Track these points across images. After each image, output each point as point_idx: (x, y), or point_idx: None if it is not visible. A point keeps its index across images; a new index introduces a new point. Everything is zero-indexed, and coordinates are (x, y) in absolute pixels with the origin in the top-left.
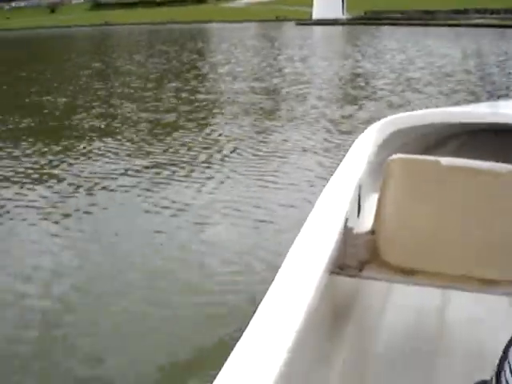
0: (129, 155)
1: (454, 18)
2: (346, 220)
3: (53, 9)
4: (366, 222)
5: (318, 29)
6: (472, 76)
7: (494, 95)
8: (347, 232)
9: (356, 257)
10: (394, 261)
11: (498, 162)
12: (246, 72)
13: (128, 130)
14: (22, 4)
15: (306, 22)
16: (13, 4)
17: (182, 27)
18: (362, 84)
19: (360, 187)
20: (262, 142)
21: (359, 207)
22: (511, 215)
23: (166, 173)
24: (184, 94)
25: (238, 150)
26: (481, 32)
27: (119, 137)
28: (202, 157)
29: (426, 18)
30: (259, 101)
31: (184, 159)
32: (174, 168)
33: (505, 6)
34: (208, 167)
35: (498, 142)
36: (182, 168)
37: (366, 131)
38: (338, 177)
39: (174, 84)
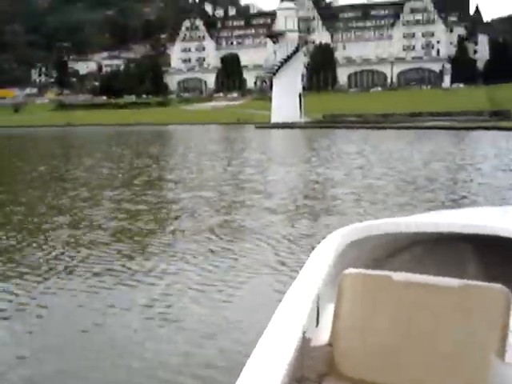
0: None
1: (409, 121)
2: (304, 332)
3: (16, 108)
4: (324, 333)
5: (276, 132)
6: (434, 183)
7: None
8: (305, 344)
9: (314, 369)
10: (352, 373)
11: (452, 270)
12: (197, 179)
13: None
14: None
15: (265, 125)
16: None
17: (144, 129)
18: (319, 195)
19: (318, 298)
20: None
21: (318, 318)
22: (461, 328)
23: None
24: (122, 205)
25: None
26: (436, 134)
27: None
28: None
29: (382, 121)
30: (209, 215)
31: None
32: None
33: (457, 108)
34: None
35: (454, 251)
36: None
37: (323, 241)
38: (296, 288)
39: (115, 192)
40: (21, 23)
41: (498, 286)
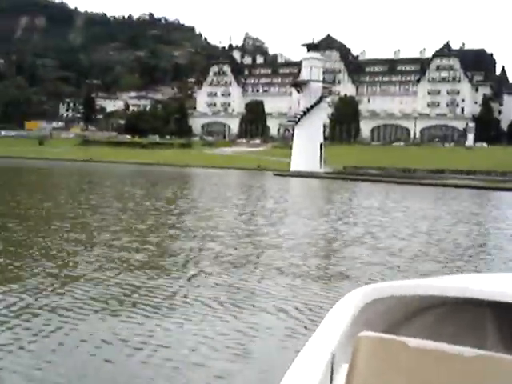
0: None
1: (431, 177)
2: None
3: (41, 141)
4: None
5: (294, 181)
6: (460, 248)
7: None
8: None
9: None
10: None
11: (470, 339)
12: (205, 228)
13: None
14: (13, 133)
15: (284, 173)
16: (2, 133)
17: (163, 170)
18: (335, 254)
19: (333, 357)
20: None
21: (331, 378)
22: None
23: None
24: (114, 253)
25: None
26: (459, 192)
27: None
28: None
29: (403, 176)
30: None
31: None
32: None
33: (480, 167)
34: None
35: (474, 318)
36: None
37: (342, 299)
38: (310, 345)
39: (112, 236)
40: (53, 58)
41: None
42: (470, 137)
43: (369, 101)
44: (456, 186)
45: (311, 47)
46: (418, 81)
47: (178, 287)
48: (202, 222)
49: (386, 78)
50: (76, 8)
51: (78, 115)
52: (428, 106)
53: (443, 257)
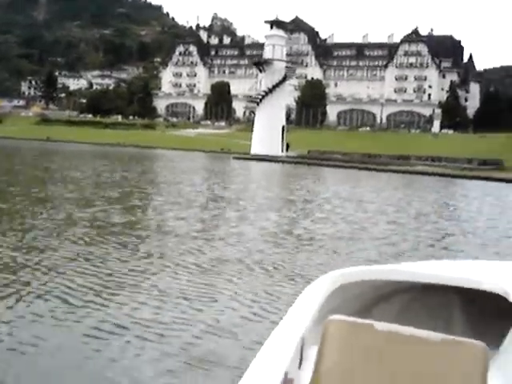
0: None
1: (395, 163)
2: (286, 373)
3: (0, 119)
4: (306, 375)
5: (254, 165)
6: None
7: None
8: None
9: None
10: None
11: (438, 323)
12: (144, 221)
13: None
14: None
15: (244, 156)
16: None
17: (124, 150)
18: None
19: (303, 340)
20: None
21: (301, 360)
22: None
23: None
24: None
25: None
26: (425, 180)
27: None
28: None
29: (367, 162)
30: None
31: None
32: None
33: (445, 154)
34: None
35: (442, 303)
36: None
37: (312, 284)
38: (280, 329)
39: None
40: (16, 34)
41: (477, 342)
42: (436, 123)
43: (336, 85)
44: (422, 173)
45: (274, 24)
46: (386, 66)
47: None
48: (146, 215)
49: (353, 63)
50: None
51: (40, 93)
52: (395, 91)
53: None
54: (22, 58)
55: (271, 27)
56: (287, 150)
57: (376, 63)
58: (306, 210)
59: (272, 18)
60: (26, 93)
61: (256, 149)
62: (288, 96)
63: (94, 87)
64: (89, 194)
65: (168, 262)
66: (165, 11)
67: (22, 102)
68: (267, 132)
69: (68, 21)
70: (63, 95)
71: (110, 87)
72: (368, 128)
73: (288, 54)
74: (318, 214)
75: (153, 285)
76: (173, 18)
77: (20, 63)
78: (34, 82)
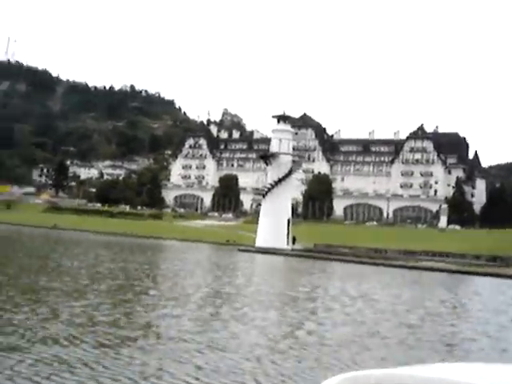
0: None
1: (401, 259)
2: None
3: (9, 205)
4: None
5: (259, 257)
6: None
7: None
8: None
9: None
10: None
11: None
12: (143, 317)
13: None
14: None
15: (249, 248)
16: None
17: (128, 240)
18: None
19: None
20: None
21: None
22: None
23: None
24: None
25: None
26: (433, 276)
27: None
28: None
29: (374, 257)
30: None
31: None
32: None
33: (452, 250)
34: None
35: None
36: None
37: None
38: None
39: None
40: (31, 124)
41: None
42: (443, 219)
43: (343, 179)
44: (430, 269)
45: (281, 118)
46: (392, 161)
47: None
48: (142, 309)
49: (360, 158)
50: (58, 75)
51: (51, 181)
52: (401, 186)
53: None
54: (35, 147)
55: (278, 122)
56: (293, 243)
57: (382, 159)
58: (310, 309)
59: (279, 113)
60: (37, 180)
61: (261, 241)
62: (294, 189)
63: (105, 177)
64: (81, 285)
65: (151, 374)
66: (177, 105)
67: (32, 189)
68: (273, 224)
69: (83, 112)
70: (73, 184)
71: (121, 177)
72: (375, 222)
73: (296, 149)
74: (324, 314)
75: None
76: (184, 113)
77: (33, 151)
78: (45, 170)
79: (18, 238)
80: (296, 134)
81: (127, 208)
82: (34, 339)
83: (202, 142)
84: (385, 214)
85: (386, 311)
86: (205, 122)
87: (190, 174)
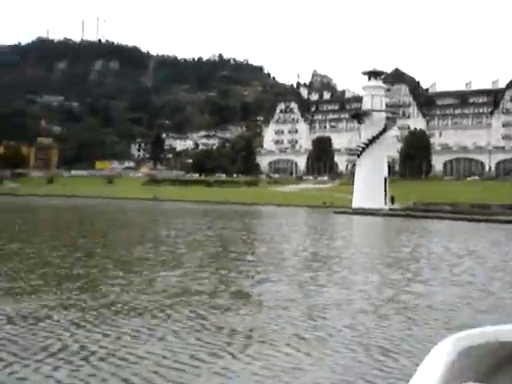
0: None
1: (508, 214)
2: None
3: (110, 180)
4: None
5: (356, 219)
6: None
7: None
8: None
9: None
10: None
11: None
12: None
13: None
14: (85, 173)
15: (345, 210)
16: (73, 172)
17: (227, 208)
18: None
19: None
20: None
21: None
22: None
23: None
24: None
25: None
26: None
27: None
28: None
29: (478, 213)
30: None
31: None
32: None
33: None
34: None
35: None
36: None
37: (435, 348)
38: None
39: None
40: (126, 100)
41: None
42: None
43: (440, 134)
44: None
45: (372, 74)
46: (492, 113)
47: None
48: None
49: (457, 111)
50: (148, 51)
51: (148, 155)
52: (503, 138)
53: None
54: (131, 122)
55: (369, 78)
56: (392, 202)
57: (481, 110)
58: (415, 270)
59: (370, 69)
60: (136, 155)
61: (357, 202)
62: (390, 147)
63: (200, 147)
64: (178, 254)
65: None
66: (266, 71)
67: (131, 164)
68: (369, 185)
69: (175, 85)
70: (170, 156)
71: (215, 146)
72: (476, 177)
73: (389, 106)
74: (430, 275)
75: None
76: (273, 78)
77: (130, 127)
78: (142, 145)
79: (119, 210)
80: (388, 90)
81: (223, 176)
82: (127, 311)
83: (293, 105)
84: (486, 168)
85: (497, 269)
86: (294, 86)
87: (283, 138)
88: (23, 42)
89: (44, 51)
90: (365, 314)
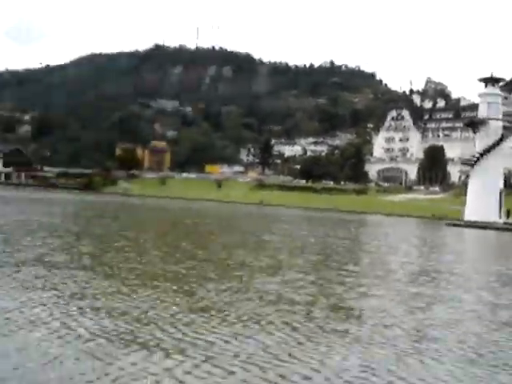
0: None
1: None
2: None
3: (219, 184)
4: None
5: (468, 232)
6: None
7: None
8: None
9: None
10: None
11: None
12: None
13: None
14: (194, 176)
15: (457, 222)
16: (183, 174)
17: (332, 216)
18: None
19: None
20: None
21: None
22: None
23: None
24: None
25: None
26: None
27: None
28: None
29: None
30: None
31: None
32: None
33: None
34: None
35: None
36: None
37: None
38: None
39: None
40: (238, 105)
41: None
42: None
43: None
44: None
45: (489, 81)
46: None
47: None
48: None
49: None
50: (260, 58)
51: (257, 160)
52: None
53: None
54: (242, 127)
55: (486, 85)
56: (507, 216)
57: None
58: None
59: (487, 76)
60: (245, 159)
61: (470, 215)
62: (507, 158)
63: (308, 153)
64: (277, 260)
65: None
66: (378, 78)
67: (240, 168)
68: (483, 197)
69: (285, 91)
70: (278, 161)
71: (323, 153)
72: None
73: (506, 115)
74: None
75: None
76: (385, 85)
77: (240, 132)
78: (252, 150)
79: (225, 215)
80: (506, 98)
81: (331, 183)
82: (220, 319)
83: (405, 113)
84: None
85: None
86: (407, 93)
87: (393, 146)
88: (141, 49)
89: (160, 57)
90: (476, 337)
